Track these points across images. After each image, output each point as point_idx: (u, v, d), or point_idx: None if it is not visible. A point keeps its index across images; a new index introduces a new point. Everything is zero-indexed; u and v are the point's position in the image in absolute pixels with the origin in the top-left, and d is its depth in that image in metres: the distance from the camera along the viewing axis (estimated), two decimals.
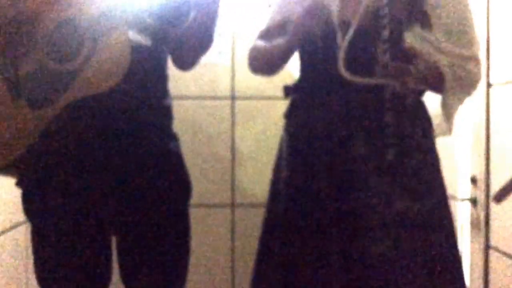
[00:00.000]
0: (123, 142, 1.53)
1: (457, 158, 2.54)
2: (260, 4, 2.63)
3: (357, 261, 1.56)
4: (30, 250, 2.20)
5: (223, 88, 2.86)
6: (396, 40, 1.52)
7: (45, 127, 1.43)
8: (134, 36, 1.48)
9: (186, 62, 1.68)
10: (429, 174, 1.64)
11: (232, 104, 2.86)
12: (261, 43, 1.77)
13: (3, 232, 2.02)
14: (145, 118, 1.56)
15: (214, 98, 2.84)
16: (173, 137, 1.67)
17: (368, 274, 1.55)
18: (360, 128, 1.60)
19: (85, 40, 1.43)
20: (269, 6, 1.84)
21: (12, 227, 2.08)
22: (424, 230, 1.60)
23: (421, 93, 1.68)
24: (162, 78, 1.65)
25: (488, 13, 2.28)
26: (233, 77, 2.85)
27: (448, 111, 1.66)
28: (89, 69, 1.42)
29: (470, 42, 1.65)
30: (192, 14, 1.57)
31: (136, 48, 1.46)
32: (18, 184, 1.56)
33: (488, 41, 2.27)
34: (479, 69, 1.67)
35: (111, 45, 1.42)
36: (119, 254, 1.63)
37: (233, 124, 2.85)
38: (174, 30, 1.59)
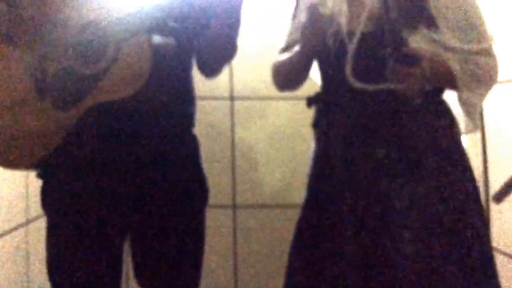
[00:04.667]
0: (143, 144, 1.54)
1: None
2: (257, 5, 2.64)
3: (385, 264, 1.56)
4: (30, 252, 2.22)
5: (222, 88, 2.86)
6: (401, 44, 1.52)
7: (69, 128, 1.45)
8: (158, 40, 1.48)
9: (210, 69, 1.69)
10: (455, 172, 1.64)
11: (231, 105, 2.86)
12: (280, 58, 1.79)
13: (3, 234, 2.02)
14: (164, 121, 1.57)
15: (213, 98, 2.84)
16: (193, 141, 1.68)
17: (397, 277, 1.55)
18: (383, 132, 1.61)
19: (109, 44, 1.42)
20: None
21: (12, 229, 2.08)
22: (453, 230, 1.59)
23: (441, 91, 1.68)
24: (185, 81, 1.65)
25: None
26: (232, 78, 2.85)
27: (467, 107, 1.65)
28: (112, 73, 1.42)
29: (480, 36, 1.64)
30: (214, 22, 1.56)
31: (158, 53, 1.46)
32: (39, 176, 1.58)
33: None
34: (493, 62, 1.66)
35: (133, 50, 1.42)
36: (134, 254, 1.64)
37: (232, 124, 2.85)
38: (198, 35, 1.60)
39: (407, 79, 1.51)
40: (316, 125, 1.76)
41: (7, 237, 2.03)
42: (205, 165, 1.70)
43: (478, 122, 1.67)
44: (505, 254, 2.16)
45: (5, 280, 2.01)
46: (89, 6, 1.45)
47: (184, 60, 1.63)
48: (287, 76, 1.78)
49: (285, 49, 1.81)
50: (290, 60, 1.74)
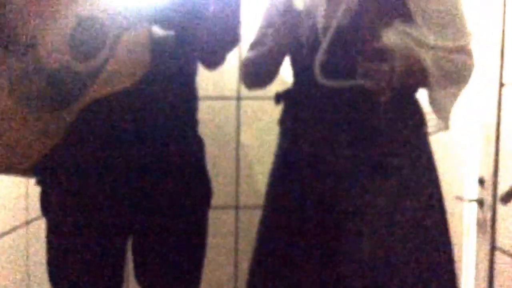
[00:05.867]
0: (143, 143, 1.53)
1: (465, 159, 2.51)
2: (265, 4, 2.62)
3: (345, 261, 1.55)
4: (30, 253, 2.21)
5: (229, 88, 2.85)
6: (372, 39, 1.50)
7: (66, 129, 1.44)
8: (158, 32, 1.46)
9: (211, 60, 1.66)
10: (420, 172, 1.61)
11: (238, 105, 2.84)
12: (250, 54, 1.76)
13: (3, 235, 2.01)
14: (166, 119, 1.55)
15: (220, 98, 2.82)
16: (197, 140, 1.66)
17: (357, 274, 1.54)
18: (350, 130, 1.59)
19: (106, 38, 1.41)
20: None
21: (12, 230, 2.08)
22: (412, 229, 1.57)
23: (413, 91, 1.66)
24: (187, 76, 1.63)
25: (504, 13, 2.25)
26: (239, 77, 2.84)
27: (438, 106, 1.62)
28: (109, 67, 1.41)
29: (459, 33, 1.61)
30: (213, 10, 1.54)
31: (158, 46, 1.45)
32: (39, 183, 1.58)
33: (502, 41, 2.25)
34: (468, 60, 1.63)
35: (131, 42, 1.41)
36: (135, 255, 1.64)
37: (238, 124, 2.84)
38: (198, 25, 1.57)
39: (376, 76, 1.48)
40: (282, 121, 1.74)
41: (7, 238, 2.03)
42: (209, 165, 1.69)
43: (449, 122, 1.63)
44: (510, 255, 2.13)
45: (5, 280, 2.01)
46: (85, 1, 1.44)
47: (186, 54, 1.61)
48: (258, 73, 1.76)
49: (255, 44, 1.78)
50: (261, 56, 1.72)
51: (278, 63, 1.73)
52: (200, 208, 1.67)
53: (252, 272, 1.75)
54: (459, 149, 2.48)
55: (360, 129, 1.58)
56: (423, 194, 1.60)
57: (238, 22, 1.60)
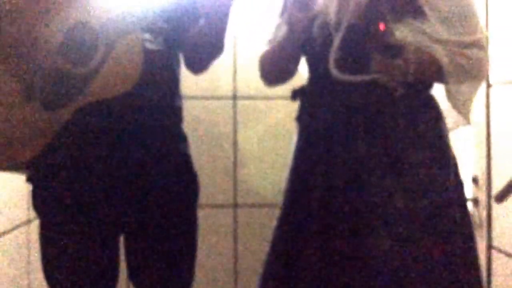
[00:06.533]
0: (132, 142, 1.55)
1: (458, 158, 2.53)
2: (261, 3, 2.64)
3: (363, 259, 1.55)
4: (31, 251, 2.22)
5: (225, 88, 2.86)
6: (385, 35, 1.51)
7: (58, 128, 1.46)
8: (147, 39, 1.50)
9: (198, 66, 1.70)
10: (437, 167, 1.62)
11: (234, 104, 2.86)
12: (265, 51, 1.77)
13: (4, 233, 2.02)
14: (155, 119, 1.58)
15: (216, 98, 2.84)
16: (182, 138, 1.68)
17: (374, 272, 1.54)
18: (365, 126, 1.59)
19: (99, 44, 1.44)
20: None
21: (14, 228, 2.09)
22: (432, 226, 1.57)
23: (428, 87, 1.66)
24: (173, 80, 1.66)
25: (487, 13, 2.28)
26: (235, 77, 2.85)
27: (455, 101, 1.62)
28: (103, 72, 1.44)
29: (472, 29, 1.61)
30: (202, 19, 1.58)
31: (149, 51, 1.48)
32: (29, 180, 1.59)
33: (487, 43, 2.27)
34: (483, 54, 1.63)
35: (124, 50, 1.44)
36: (127, 252, 1.65)
37: (235, 124, 2.85)
38: (186, 34, 1.61)
39: (390, 71, 1.49)
40: (299, 118, 1.74)
41: (8, 236, 2.04)
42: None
43: (469, 116, 1.64)
44: (506, 254, 2.15)
45: (5, 279, 2.01)
46: (78, 7, 1.47)
47: (172, 58, 1.64)
48: (275, 66, 1.76)
49: (270, 41, 1.78)
50: (277, 47, 1.72)
51: (294, 59, 1.73)
52: (188, 204, 1.68)
53: (268, 270, 1.74)
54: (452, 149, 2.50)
55: (376, 125, 1.58)
56: (441, 190, 1.59)
57: (225, 33, 1.64)
